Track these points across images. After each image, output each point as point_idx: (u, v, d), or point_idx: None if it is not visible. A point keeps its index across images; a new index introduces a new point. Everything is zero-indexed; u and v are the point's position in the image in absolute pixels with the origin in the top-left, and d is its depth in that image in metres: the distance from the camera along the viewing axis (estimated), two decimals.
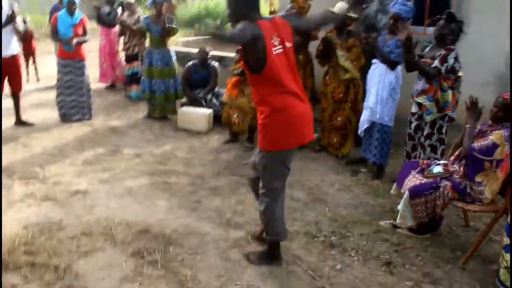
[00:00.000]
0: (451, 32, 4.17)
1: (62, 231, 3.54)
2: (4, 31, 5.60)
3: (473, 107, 3.56)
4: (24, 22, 9.21)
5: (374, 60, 4.90)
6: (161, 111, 6.86)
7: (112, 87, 8.78)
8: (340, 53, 5.15)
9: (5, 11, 5.60)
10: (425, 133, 4.35)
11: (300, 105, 3.04)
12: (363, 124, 4.96)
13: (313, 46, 5.60)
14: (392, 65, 4.68)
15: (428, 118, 4.26)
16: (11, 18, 5.57)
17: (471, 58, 5.40)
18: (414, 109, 4.44)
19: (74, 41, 6.26)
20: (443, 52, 4.15)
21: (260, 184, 3.20)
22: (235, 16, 2.99)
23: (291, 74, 3.04)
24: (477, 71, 5.21)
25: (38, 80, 9.32)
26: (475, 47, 5.42)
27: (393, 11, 4.69)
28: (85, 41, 6.48)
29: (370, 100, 4.82)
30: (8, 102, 6.28)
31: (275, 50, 2.92)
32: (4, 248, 3.19)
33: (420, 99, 4.29)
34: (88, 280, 2.97)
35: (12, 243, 3.28)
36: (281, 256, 3.31)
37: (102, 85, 8.74)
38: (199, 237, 3.58)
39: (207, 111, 6.44)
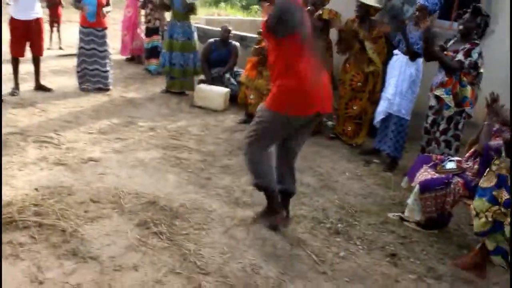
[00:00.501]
0: (477, 26, 4.08)
1: (72, 196, 3.57)
2: None
3: (494, 104, 3.49)
4: None
5: (395, 51, 4.83)
6: (180, 86, 6.86)
7: (132, 59, 8.79)
8: (368, 45, 5.08)
9: None
10: (441, 128, 4.29)
11: (318, 78, 3.11)
12: (379, 115, 4.91)
13: (335, 33, 5.54)
14: (413, 55, 4.61)
15: (446, 113, 4.19)
16: None
17: (497, 55, 5.30)
18: (432, 102, 4.37)
19: (104, 10, 6.28)
20: (467, 46, 4.07)
21: (251, 131, 3.23)
22: None
23: (311, 47, 3.16)
24: (501, 69, 5.10)
25: (60, 47, 9.39)
26: (503, 45, 5.31)
27: (419, 2, 4.60)
28: (108, 12, 6.48)
29: (389, 91, 4.76)
30: (28, 67, 6.34)
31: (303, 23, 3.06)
32: (14, 208, 3.23)
33: (438, 92, 4.22)
34: (93, 245, 3.00)
35: (23, 203, 3.32)
36: (282, 210, 3.38)
37: (123, 57, 8.76)
38: (206, 213, 3.59)
39: (224, 90, 6.43)
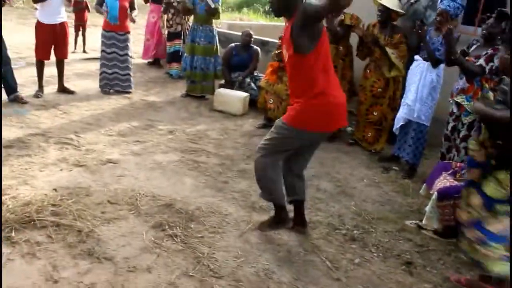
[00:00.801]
0: (501, 31, 3.99)
1: (89, 197, 3.62)
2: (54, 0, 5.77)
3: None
4: None
5: (416, 57, 4.77)
6: (200, 90, 6.90)
7: (153, 63, 8.88)
8: (390, 50, 5.04)
9: None
10: (461, 135, 4.21)
11: (339, 94, 3.13)
12: (399, 121, 4.86)
13: (354, 38, 5.50)
14: (435, 63, 4.54)
15: (466, 120, 4.12)
16: None
17: None
18: (454, 109, 4.30)
19: (132, 14, 6.38)
20: (490, 51, 3.99)
21: (265, 143, 3.23)
22: (281, 7, 3.05)
23: (329, 62, 3.12)
24: None
25: (84, 51, 9.56)
26: None
27: (441, 7, 4.54)
28: (131, 19, 6.56)
29: (409, 97, 4.70)
30: (52, 70, 6.46)
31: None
32: (33, 207, 3.29)
33: (458, 99, 4.15)
34: (109, 245, 3.04)
35: (41, 203, 3.37)
36: (288, 220, 3.37)
37: (145, 61, 8.86)
38: (221, 217, 3.60)
39: (243, 94, 6.45)
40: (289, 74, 3.17)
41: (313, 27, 2.89)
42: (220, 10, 6.74)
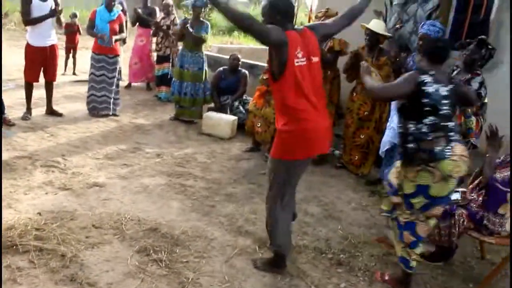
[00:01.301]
0: (481, 57, 4.09)
1: (74, 221, 3.59)
2: (45, 22, 5.80)
3: (493, 136, 3.46)
4: (75, 16, 9.56)
5: None
6: (189, 115, 6.92)
7: (129, 86, 8.85)
8: (375, 71, 5.10)
9: (50, 4, 5.80)
10: None
11: (316, 119, 3.04)
12: (384, 145, 4.89)
13: (341, 62, 5.57)
14: None
15: None
16: (54, 12, 5.76)
17: (506, 86, 5.30)
18: None
19: (114, 38, 6.41)
20: (468, 76, 4.07)
21: (270, 189, 3.21)
22: (268, 24, 3.02)
23: (313, 87, 3.04)
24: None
25: (74, 73, 9.57)
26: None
27: (422, 31, 4.64)
28: (122, 38, 6.62)
29: (394, 121, 4.74)
30: (41, 92, 6.46)
31: (297, 62, 2.93)
32: (16, 231, 3.26)
33: None
34: (92, 271, 3.00)
35: (25, 227, 3.34)
36: (285, 268, 3.29)
37: (135, 84, 8.87)
38: (207, 241, 3.58)
39: (231, 118, 6.47)
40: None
41: (273, 52, 2.96)
42: (207, 38, 6.78)
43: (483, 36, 4.19)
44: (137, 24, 8.52)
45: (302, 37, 3.00)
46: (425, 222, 3.14)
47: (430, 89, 2.95)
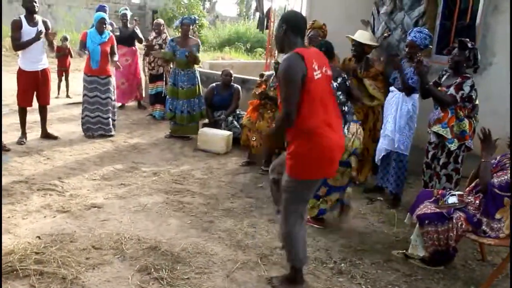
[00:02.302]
0: (465, 59, 4.15)
1: (74, 243, 3.58)
2: (36, 45, 5.83)
3: (487, 139, 3.50)
4: (66, 39, 9.62)
5: (391, 88, 4.90)
6: (184, 131, 6.95)
7: (122, 107, 8.86)
8: (367, 82, 5.17)
9: (39, 28, 5.84)
10: (441, 162, 4.30)
11: (334, 137, 2.99)
12: (380, 152, 4.93)
13: None
14: (409, 91, 4.67)
15: (452, 147, 4.21)
16: (40, 34, 5.78)
17: (496, 87, 5.37)
18: (432, 138, 4.40)
19: (115, 62, 6.47)
20: (458, 80, 4.13)
21: (284, 206, 3.15)
22: (282, 47, 3.06)
23: (329, 101, 3.03)
24: (501, 101, 5.14)
25: (67, 95, 9.60)
26: (501, 77, 5.37)
27: (409, 39, 4.71)
28: (116, 66, 6.68)
29: (388, 128, 4.79)
30: (36, 116, 6.48)
31: (316, 75, 2.89)
32: (15, 256, 3.25)
33: (435, 128, 4.26)
34: None
35: (24, 252, 3.33)
36: (303, 280, 3.26)
37: (128, 104, 8.89)
38: (207, 257, 3.58)
39: (226, 133, 6.50)
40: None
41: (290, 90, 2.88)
42: (199, 57, 6.84)
43: (462, 38, 4.25)
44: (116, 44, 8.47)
45: (312, 51, 3.03)
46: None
47: None
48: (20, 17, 5.81)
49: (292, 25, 2.98)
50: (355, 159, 4.19)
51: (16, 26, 5.74)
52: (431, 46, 5.57)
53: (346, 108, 3.98)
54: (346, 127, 3.87)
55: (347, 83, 4.09)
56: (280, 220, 3.22)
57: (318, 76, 2.91)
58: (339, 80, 3.97)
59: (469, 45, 4.17)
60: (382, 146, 4.88)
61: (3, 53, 14.23)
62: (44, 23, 5.97)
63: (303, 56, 2.86)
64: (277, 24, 3.08)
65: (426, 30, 4.83)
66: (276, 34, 3.07)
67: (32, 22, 5.82)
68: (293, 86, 2.82)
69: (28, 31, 5.76)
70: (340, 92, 3.93)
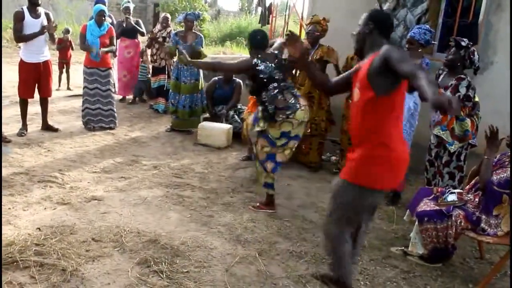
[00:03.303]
0: (461, 58, 4.14)
1: (74, 235, 3.59)
2: (37, 39, 5.83)
3: (493, 137, 3.50)
4: (68, 31, 9.60)
5: None
6: (185, 125, 6.95)
7: (140, 99, 8.88)
8: None
9: (42, 20, 5.84)
10: (443, 161, 4.30)
11: (404, 147, 2.78)
12: None
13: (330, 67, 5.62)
14: (409, 88, 4.65)
15: (452, 149, 4.21)
16: (49, 28, 5.81)
17: (497, 86, 5.36)
18: (433, 140, 4.40)
19: (101, 50, 6.44)
20: (454, 82, 4.12)
21: (332, 213, 2.86)
22: (362, 46, 2.84)
23: (401, 113, 2.78)
24: (504, 100, 5.14)
25: (68, 88, 9.59)
26: (503, 76, 5.37)
27: (409, 35, 4.71)
28: (112, 51, 6.68)
29: None
30: (37, 108, 6.48)
31: None
32: (16, 247, 3.26)
33: (435, 131, 4.27)
34: (93, 284, 3.01)
35: (24, 243, 3.34)
36: None
37: (129, 96, 8.88)
38: (207, 251, 3.59)
39: (226, 127, 6.50)
40: (353, 119, 2.86)
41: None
42: (203, 52, 6.84)
43: (457, 37, 4.24)
44: (120, 37, 8.48)
45: None
46: (282, 152, 4.34)
47: (261, 67, 4.19)
48: (22, 9, 5.80)
49: (380, 25, 2.75)
50: (295, 142, 4.45)
51: (18, 18, 5.73)
52: (434, 43, 5.55)
53: (288, 83, 4.41)
54: (295, 100, 4.23)
55: (284, 62, 4.42)
56: (326, 231, 2.93)
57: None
58: (275, 61, 4.30)
59: (463, 43, 4.14)
60: None
61: (4, 44, 14.23)
62: (46, 15, 5.97)
63: None
64: (362, 21, 2.82)
65: (427, 26, 4.83)
66: (359, 32, 2.83)
67: (34, 13, 5.82)
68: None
69: (30, 23, 5.76)
70: (277, 70, 4.27)
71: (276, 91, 4.20)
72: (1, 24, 6.09)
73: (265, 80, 4.20)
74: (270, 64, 4.26)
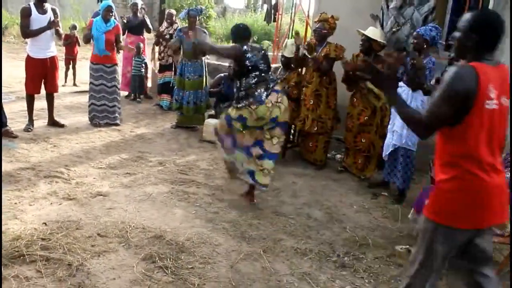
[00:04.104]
0: None
1: (79, 230, 3.62)
2: (45, 33, 5.86)
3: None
4: (74, 27, 9.63)
5: (400, 84, 4.87)
6: (190, 121, 6.97)
7: (129, 96, 8.88)
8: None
9: (49, 16, 5.86)
10: None
11: (493, 180, 2.32)
12: (388, 148, 4.91)
13: (337, 65, 5.61)
14: (415, 86, 4.65)
15: None
16: (52, 24, 5.83)
17: None
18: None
19: (121, 45, 6.51)
20: None
21: (412, 256, 2.59)
22: (463, 53, 2.42)
23: (497, 140, 2.36)
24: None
25: (75, 84, 9.63)
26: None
27: (417, 31, 4.72)
28: (120, 48, 6.72)
29: (396, 124, 4.77)
30: (43, 103, 6.50)
31: (487, 104, 2.25)
32: (22, 242, 3.28)
33: None
34: (99, 279, 3.03)
35: (31, 237, 3.37)
36: None
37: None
38: (212, 247, 3.60)
39: None
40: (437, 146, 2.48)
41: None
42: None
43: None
44: (126, 32, 8.52)
45: (496, 71, 2.33)
46: (270, 140, 4.39)
47: (249, 54, 4.34)
48: (29, 4, 5.82)
49: (488, 32, 2.33)
50: (279, 130, 4.42)
51: (25, 13, 5.76)
52: (442, 43, 5.52)
53: (269, 76, 4.45)
54: (266, 94, 4.28)
55: (267, 54, 4.61)
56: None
57: (492, 106, 2.26)
58: (261, 53, 4.47)
59: None
60: (390, 141, 4.87)
61: (11, 40, 14.29)
62: (53, 10, 5.99)
63: (479, 74, 2.22)
64: (464, 22, 2.38)
65: (435, 25, 4.82)
66: (461, 36, 2.38)
67: (41, 9, 5.84)
68: (448, 104, 2.24)
69: (37, 19, 5.78)
70: (263, 61, 4.42)
71: (254, 80, 4.33)
72: (1, 21, 6.10)
73: (250, 67, 4.34)
74: (256, 56, 4.40)
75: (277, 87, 4.43)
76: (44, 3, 5.87)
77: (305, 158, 5.92)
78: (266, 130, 4.37)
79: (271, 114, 4.28)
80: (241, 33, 4.57)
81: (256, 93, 4.29)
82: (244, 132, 4.39)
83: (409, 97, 4.68)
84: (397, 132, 4.78)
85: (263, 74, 4.38)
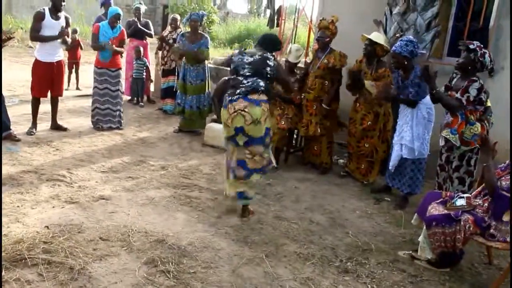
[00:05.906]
0: (471, 61, 4.12)
1: (81, 234, 3.61)
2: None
3: (485, 144, 3.50)
4: (75, 31, 9.69)
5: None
6: (193, 126, 6.97)
7: (131, 100, 8.91)
8: (369, 82, 5.16)
9: (62, 23, 5.92)
10: (453, 166, 4.28)
11: None
12: (395, 159, 4.84)
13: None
14: (411, 104, 4.65)
15: (456, 152, 4.19)
16: (62, 34, 5.89)
17: (507, 92, 5.33)
18: (441, 142, 4.38)
19: (113, 46, 6.51)
20: (465, 83, 4.11)
21: None
22: None
23: None
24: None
25: (77, 88, 9.65)
26: None
27: (391, 51, 4.79)
28: (121, 52, 6.73)
29: (406, 138, 4.70)
30: (46, 107, 6.52)
31: None
32: (24, 245, 3.28)
33: (444, 133, 4.24)
34: (101, 283, 3.02)
35: (33, 241, 3.36)
36: None
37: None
38: (214, 251, 3.59)
39: None
40: None
41: None
42: (208, 54, 6.89)
43: (465, 41, 4.23)
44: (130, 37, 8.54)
45: None
46: (252, 159, 4.16)
47: (235, 58, 4.29)
48: (44, 9, 5.87)
49: None
50: (259, 148, 4.16)
51: (39, 18, 5.81)
52: (423, 52, 5.50)
53: (246, 82, 4.09)
54: (230, 99, 4.11)
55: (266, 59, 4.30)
56: None
57: None
58: (254, 57, 4.22)
59: (471, 47, 4.12)
60: (399, 153, 4.79)
61: (15, 44, 14.34)
62: (66, 19, 6.06)
63: None
64: None
65: (409, 37, 4.80)
66: None
67: (55, 15, 5.90)
68: None
69: (50, 24, 5.83)
70: (250, 66, 4.17)
71: (230, 82, 4.27)
72: (1, 23, 6.13)
73: (233, 71, 4.30)
74: (245, 59, 4.21)
75: (253, 96, 4.04)
76: (59, 11, 5.91)
77: (311, 162, 5.92)
78: (242, 147, 4.14)
79: (232, 122, 4.06)
80: (267, 42, 4.37)
81: (226, 96, 4.21)
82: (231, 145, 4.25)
83: (416, 109, 4.64)
84: (407, 146, 4.72)
85: (240, 78, 4.13)
